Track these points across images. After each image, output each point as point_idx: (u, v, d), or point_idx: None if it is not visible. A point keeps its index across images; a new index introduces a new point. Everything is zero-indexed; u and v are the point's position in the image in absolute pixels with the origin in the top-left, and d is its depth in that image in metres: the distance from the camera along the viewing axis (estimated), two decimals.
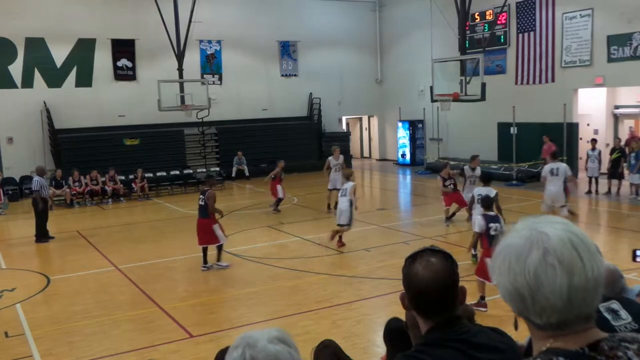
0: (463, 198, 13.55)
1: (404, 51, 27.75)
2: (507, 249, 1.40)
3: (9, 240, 15.29)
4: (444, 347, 1.86)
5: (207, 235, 11.04)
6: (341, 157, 16.87)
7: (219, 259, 11.22)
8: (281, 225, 14.96)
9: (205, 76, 24.60)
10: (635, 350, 1.32)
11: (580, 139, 20.59)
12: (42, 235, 14.42)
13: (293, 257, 11.88)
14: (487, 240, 8.59)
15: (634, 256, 4.07)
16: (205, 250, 11.20)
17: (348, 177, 12.89)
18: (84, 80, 23.10)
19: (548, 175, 12.64)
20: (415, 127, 27.12)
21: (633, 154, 16.72)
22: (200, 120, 22.89)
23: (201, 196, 11.18)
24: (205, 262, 11.17)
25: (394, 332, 4.07)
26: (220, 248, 11.21)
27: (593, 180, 17.59)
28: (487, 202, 9.14)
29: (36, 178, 14.60)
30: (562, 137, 20.35)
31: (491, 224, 8.62)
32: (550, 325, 1.35)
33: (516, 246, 1.37)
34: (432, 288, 1.89)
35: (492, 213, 8.89)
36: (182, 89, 21.81)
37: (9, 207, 19.38)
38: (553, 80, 21.08)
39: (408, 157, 27.00)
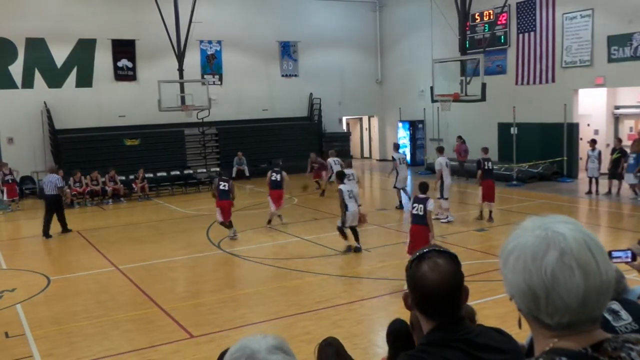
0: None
1: (404, 51, 27.75)
2: (521, 248, 1.38)
3: (10, 241, 15.30)
4: (447, 347, 1.86)
5: (280, 200, 14.81)
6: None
7: (281, 219, 15.10)
8: (281, 226, 14.96)
9: (205, 76, 24.61)
10: (638, 351, 1.31)
11: (581, 139, 20.58)
12: (48, 232, 14.69)
13: (293, 258, 11.88)
14: None
15: (610, 257, 4.04)
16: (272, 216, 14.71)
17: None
18: (85, 80, 23.12)
19: (444, 167, 14.87)
20: (415, 127, 27.13)
21: (634, 155, 16.70)
22: (201, 120, 22.89)
23: (274, 174, 14.88)
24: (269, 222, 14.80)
25: (397, 333, 4.06)
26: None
27: (593, 180, 17.56)
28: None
29: (55, 176, 15.07)
30: (563, 137, 20.36)
31: None
32: (560, 325, 1.35)
33: (532, 245, 1.36)
34: (439, 290, 1.87)
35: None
36: (182, 90, 21.81)
37: (10, 207, 19.37)
38: (553, 81, 21.08)
39: (408, 157, 26.94)
